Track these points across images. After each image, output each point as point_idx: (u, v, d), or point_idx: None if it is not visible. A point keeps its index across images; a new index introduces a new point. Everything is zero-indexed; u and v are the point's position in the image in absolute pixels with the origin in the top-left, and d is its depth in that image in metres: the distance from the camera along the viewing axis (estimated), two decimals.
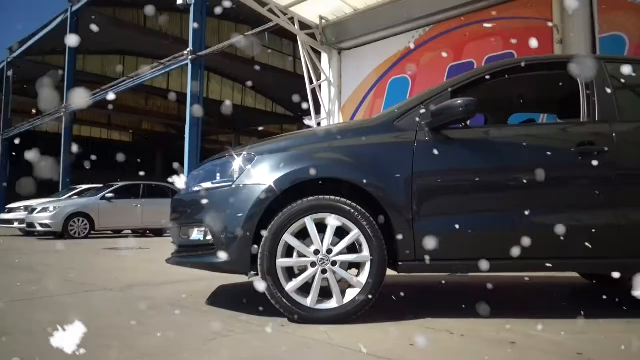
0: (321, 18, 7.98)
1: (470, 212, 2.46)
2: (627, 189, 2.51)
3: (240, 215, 2.36)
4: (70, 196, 12.25)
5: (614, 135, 2.53)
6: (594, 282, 3.98)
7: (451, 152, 2.50)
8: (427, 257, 2.41)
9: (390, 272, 2.47)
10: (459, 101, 2.40)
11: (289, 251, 2.39)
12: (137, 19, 24.73)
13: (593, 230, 2.44)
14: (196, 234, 2.56)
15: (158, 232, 12.18)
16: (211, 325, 2.28)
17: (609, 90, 2.67)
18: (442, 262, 2.46)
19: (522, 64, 2.88)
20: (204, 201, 2.52)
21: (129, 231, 12.46)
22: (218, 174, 2.57)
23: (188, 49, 12.89)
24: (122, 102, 25.98)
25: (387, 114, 2.69)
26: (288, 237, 2.35)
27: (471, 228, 2.43)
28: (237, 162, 2.51)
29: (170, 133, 30.25)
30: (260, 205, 2.35)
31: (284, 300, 2.31)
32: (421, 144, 2.48)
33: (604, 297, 3.28)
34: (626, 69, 3.00)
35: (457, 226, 2.42)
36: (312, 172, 2.40)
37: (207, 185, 2.58)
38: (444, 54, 6.91)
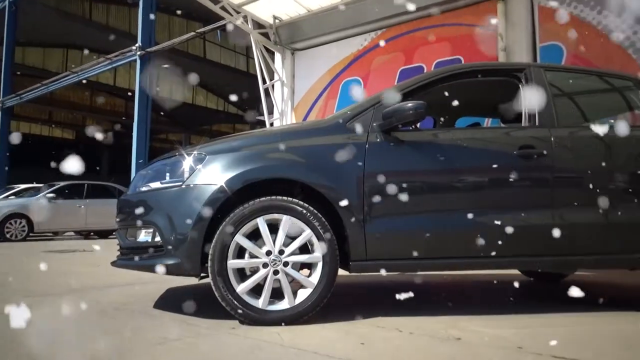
0: (275, 18, 7.95)
1: (420, 212, 2.52)
2: (563, 191, 2.66)
3: (190, 216, 2.31)
4: (6, 196, 11.55)
5: (552, 139, 2.68)
6: (532, 279, 4.20)
7: (401, 153, 2.56)
8: (378, 257, 2.46)
9: (342, 271, 2.50)
10: (409, 104, 2.46)
11: (240, 252, 2.36)
12: (83, 10, 23.67)
13: (533, 230, 2.57)
14: (144, 236, 2.48)
15: (103, 234, 11.72)
16: (159, 330, 2.22)
17: (548, 97, 2.81)
18: (393, 262, 2.52)
19: (469, 70, 3.00)
20: (153, 201, 2.45)
21: (72, 233, 11.91)
22: (167, 174, 2.51)
23: (137, 45, 12.49)
24: (65, 97, 24.79)
25: (339, 115, 2.72)
26: (240, 238, 2.32)
27: (421, 228, 2.50)
28: (188, 162, 2.46)
29: (117, 131, 29.18)
30: (211, 206, 2.31)
31: (235, 302, 2.28)
32: (372, 145, 2.52)
33: (542, 293, 3.46)
34: (563, 77, 3.18)
35: (407, 226, 2.48)
36: (264, 172, 2.39)
37: (156, 185, 2.51)
38: (396, 58, 7.06)
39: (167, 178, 2.49)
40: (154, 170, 2.61)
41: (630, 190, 2.75)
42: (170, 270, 2.38)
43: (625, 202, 2.71)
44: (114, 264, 2.66)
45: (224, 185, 2.33)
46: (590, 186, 2.73)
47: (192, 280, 2.75)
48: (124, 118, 25.50)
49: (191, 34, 13.13)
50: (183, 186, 2.40)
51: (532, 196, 2.63)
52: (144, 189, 2.55)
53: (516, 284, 3.98)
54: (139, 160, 11.84)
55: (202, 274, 2.43)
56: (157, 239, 2.39)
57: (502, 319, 2.52)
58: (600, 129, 2.89)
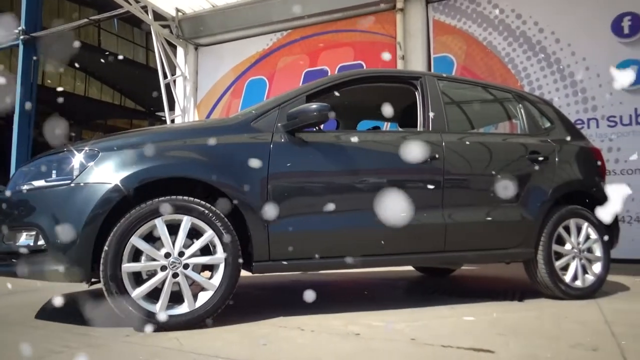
0: (177, 10, 7.64)
1: (323, 212, 2.57)
2: (452, 192, 2.88)
3: (79, 217, 2.14)
4: None
5: (443, 144, 2.89)
6: (423, 274, 4.49)
7: (305, 154, 2.60)
8: (281, 257, 2.47)
9: (244, 272, 2.47)
10: (314, 106, 2.51)
11: (136, 255, 2.24)
12: None
13: (426, 229, 2.76)
14: (25, 239, 2.24)
15: None
16: (43, 342, 2.02)
17: (440, 104, 3.03)
18: (296, 262, 2.55)
19: (371, 75, 3.13)
20: (36, 201, 2.24)
21: None
22: (54, 171, 2.30)
23: (20, 28, 11.29)
24: None
25: (244, 114, 2.69)
26: (136, 240, 2.20)
27: (323, 227, 2.56)
28: (78, 158, 2.27)
29: None
30: (104, 206, 2.16)
31: (130, 308, 2.15)
32: (277, 145, 2.53)
33: (433, 287, 3.71)
34: (454, 87, 3.45)
35: (310, 226, 2.53)
36: (164, 170, 2.29)
37: (40, 183, 2.29)
38: (301, 60, 7.15)
39: (54, 176, 2.28)
40: (38, 167, 2.37)
41: (506, 192, 3.05)
42: (57, 277, 2.19)
43: (503, 203, 3.01)
44: None
45: (119, 184, 2.19)
46: (475, 188, 3.00)
47: (82, 287, 2.55)
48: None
49: (84, 20, 12.17)
50: (72, 185, 2.21)
51: (425, 197, 2.81)
52: (25, 187, 2.31)
53: (410, 280, 4.23)
54: (20, 155, 10.71)
55: (93, 280, 2.26)
56: (41, 242, 2.18)
57: (398, 313, 2.66)
58: (483, 136, 3.17)
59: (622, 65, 5.38)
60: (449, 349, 1.94)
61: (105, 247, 2.15)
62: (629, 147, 5.30)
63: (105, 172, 2.23)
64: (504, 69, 5.99)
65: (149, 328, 2.17)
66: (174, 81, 7.93)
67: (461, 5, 6.29)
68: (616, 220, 3.45)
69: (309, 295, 2.56)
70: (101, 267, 2.15)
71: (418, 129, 3.01)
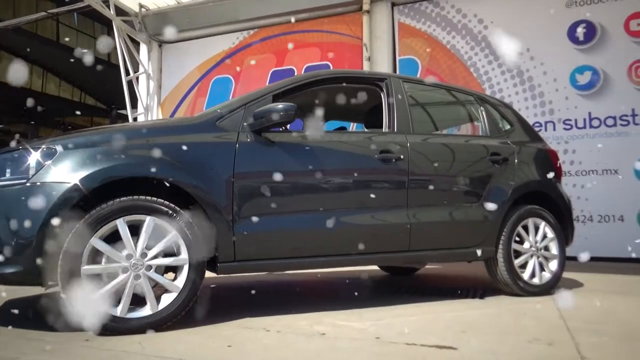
0: (141, 6, 7.46)
1: (289, 212, 2.57)
2: (416, 193, 2.93)
3: (36, 217, 2.06)
4: None
5: (408, 145, 2.93)
6: (388, 273, 4.56)
7: (271, 154, 2.58)
8: (247, 258, 2.45)
9: (209, 273, 2.44)
10: (280, 106, 2.50)
11: (97, 257, 2.17)
12: None
13: (391, 229, 2.80)
14: None
15: None
16: None
17: (405, 106, 3.08)
18: (262, 262, 2.54)
19: (337, 76, 3.15)
20: None
21: None
22: (8, 169, 2.20)
23: None
24: None
25: (209, 113, 2.65)
26: (96, 242, 2.13)
27: (289, 228, 2.55)
28: (34, 156, 2.18)
29: None
30: (63, 206, 2.09)
31: (89, 311, 2.08)
32: (243, 145, 2.51)
33: (398, 286, 3.76)
34: (418, 89, 3.51)
35: (276, 226, 2.52)
36: (127, 170, 2.22)
37: None
38: (267, 59, 7.12)
39: (8, 175, 2.19)
40: None
41: (467, 192, 3.13)
42: (10, 280, 2.10)
43: (464, 203, 3.09)
44: None
45: (79, 184, 2.12)
46: (438, 188, 3.06)
47: (36, 290, 2.45)
48: None
49: (41, 13, 11.73)
50: (28, 184, 2.12)
51: (390, 197, 2.85)
52: None
53: (375, 279, 4.28)
54: None
55: (50, 282, 2.18)
56: None
57: (363, 312, 2.69)
58: (447, 137, 3.24)
59: (578, 70, 5.62)
60: (414, 347, 1.98)
61: (64, 249, 2.07)
62: (583, 149, 5.54)
63: (63, 171, 2.15)
64: (467, 72, 6.14)
65: (109, 332, 2.11)
66: (137, 78, 7.75)
67: (426, 9, 6.41)
68: (571, 219, 3.60)
69: (276, 296, 2.55)
70: (59, 269, 2.07)
71: (383, 130, 3.05)
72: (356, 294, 3.44)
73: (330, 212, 2.63)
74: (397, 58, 6.50)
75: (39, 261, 2.05)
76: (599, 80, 5.52)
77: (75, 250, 2.08)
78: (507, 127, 3.62)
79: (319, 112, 3.77)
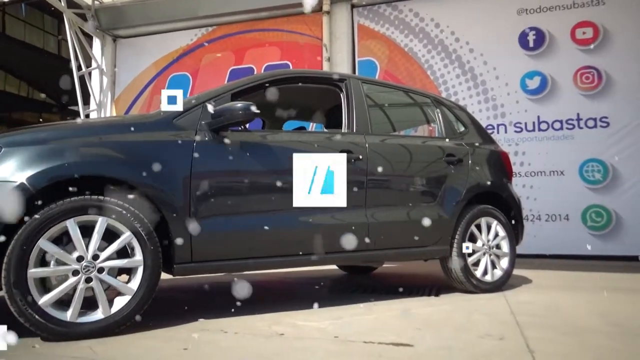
0: None
1: (247, 212, 2.55)
2: (374, 192, 2.97)
3: None
4: None
5: (367, 145, 2.97)
6: (346, 272, 4.60)
7: (230, 153, 2.55)
8: (204, 259, 2.41)
9: (164, 274, 2.38)
10: (239, 104, 2.47)
11: (45, 259, 2.07)
12: None
13: (349, 228, 2.82)
14: None
15: None
16: None
17: (364, 107, 3.12)
18: (219, 263, 2.50)
19: (297, 75, 3.15)
20: None
21: None
22: None
23: None
24: None
25: (166, 111, 2.58)
26: (44, 243, 2.04)
27: (247, 228, 2.53)
28: None
29: None
30: (9, 207, 1.98)
31: (36, 316, 1.99)
32: (201, 144, 2.46)
33: (355, 285, 3.80)
34: (377, 90, 3.56)
35: (234, 227, 2.49)
36: (78, 168, 2.13)
37: None
38: (226, 57, 7.03)
39: None
40: None
41: (424, 192, 3.21)
42: None
43: (421, 203, 3.16)
44: None
45: (26, 183, 2.02)
46: (396, 188, 3.12)
47: None
48: None
49: None
50: None
51: (349, 197, 2.87)
52: None
53: (333, 279, 4.31)
54: None
55: None
56: None
57: (321, 312, 2.70)
58: (404, 138, 3.31)
59: (528, 75, 5.86)
60: (371, 345, 2.00)
61: (8, 251, 1.97)
62: (532, 151, 5.78)
63: (9, 170, 2.04)
64: (424, 75, 6.28)
65: (58, 337, 2.02)
66: (89, 73, 7.47)
67: (384, 12, 6.51)
68: (521, 218, 3.75)
69: (233, 297, 2.53)
70: (3, 273, 1.97)
71: (342, 130, 3.07)
72: (314, 293, 3.45)
73: (289, 212, 2.63)
74: (357, 59, 6.57)
75: None
76: (548, 86, 5.78)
77: (22, 252, 1.98)
78: (462, 129, 3.72)
79: (279, 111, 3.76)
